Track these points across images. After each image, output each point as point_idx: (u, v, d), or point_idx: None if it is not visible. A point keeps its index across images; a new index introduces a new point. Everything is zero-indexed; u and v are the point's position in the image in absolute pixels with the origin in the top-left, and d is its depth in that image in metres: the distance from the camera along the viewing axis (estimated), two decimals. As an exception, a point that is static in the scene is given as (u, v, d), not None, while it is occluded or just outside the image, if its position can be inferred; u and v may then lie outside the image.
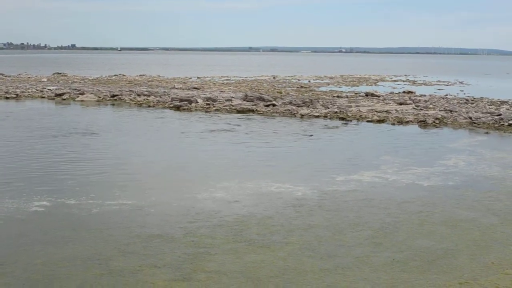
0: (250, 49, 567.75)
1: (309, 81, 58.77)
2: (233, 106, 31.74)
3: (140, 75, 63.49)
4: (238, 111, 30.52)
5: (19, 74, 62.62)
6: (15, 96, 38.26)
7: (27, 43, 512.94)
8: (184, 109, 31.52)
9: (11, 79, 55.34)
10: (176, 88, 44.20)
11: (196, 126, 25.07)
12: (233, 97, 35.09)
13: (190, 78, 59.77)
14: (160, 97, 35.49)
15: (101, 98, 36.64)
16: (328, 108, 30.78)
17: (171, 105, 32.48)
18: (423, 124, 26.42)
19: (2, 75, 60.53)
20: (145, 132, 23.19)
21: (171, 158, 18.27)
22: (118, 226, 11.09)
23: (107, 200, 12.83)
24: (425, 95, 39.92)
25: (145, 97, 36.02)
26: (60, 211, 12.05)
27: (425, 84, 58.81)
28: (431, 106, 32.01)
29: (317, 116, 28.72)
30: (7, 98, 37.59)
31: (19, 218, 11.53)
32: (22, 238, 10.39)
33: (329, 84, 54.54)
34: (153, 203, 12.74)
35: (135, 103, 34.32)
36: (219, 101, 33.18)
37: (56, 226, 11.12)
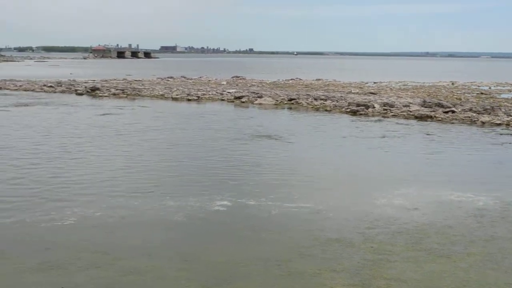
0: (427, 54, 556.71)
1: (490, 88, 56.56)
2: (410, 112, 31.16)
3: (316, 79, 63.91)
4: (416, 117, 29.94)
5: (200, 77, 64.93)
6: (196, 98, 39.72)
7: (207, 47, 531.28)
8: (361, 114, 31.33)
9: (193, 82, 57.53)
10: (353, 93, 44.06)
11: (373, 132, 24.84)
12: (410, 103, 34.44)
13: (367, 83, 59.37)
14: (337, 102, 35.48)
15: (278, 102, 37.20)
16: (511, 116, 29.47)
17: (348, 110, 32.38)
18: None
19: (184, 77, 63.12)
20: (323, 136, 23.27)
21: (348, 163, 18.21)
22: (297, 229, 11.18)
23: (286, 202, 12.99)
24: None
25: (322, 101, 36.15)
26: (241, 212, 12.35)
27: None
28: None
29: (499, 124, 27.58)
30: (189, 100, 39.12)
31: (202, 217, 11.92)
32: (205, 236, 10.73)
33: (511, 91, 52.23)
34: (331, 207, 12.75)
35: (312, 107, 34.55)
36: (397, 107, 32.69)
37: (237, 226, 11.41)
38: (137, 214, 12.01)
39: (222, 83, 55.82)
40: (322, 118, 29.62)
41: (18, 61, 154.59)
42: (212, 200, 13.08)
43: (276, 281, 8.65)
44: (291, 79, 63.31)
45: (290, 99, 37.60)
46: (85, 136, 22.18)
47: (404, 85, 58.16)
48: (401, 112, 31.37)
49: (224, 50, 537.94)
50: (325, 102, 35.63)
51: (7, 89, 46.41)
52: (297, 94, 40.12)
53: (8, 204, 12.58)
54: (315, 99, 36.96)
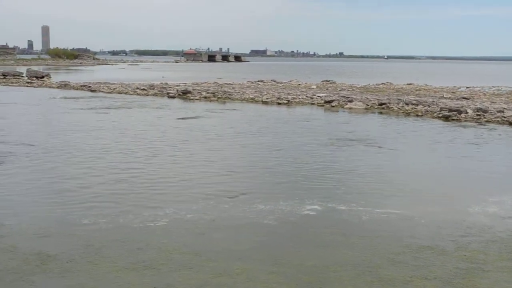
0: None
1: None
2: (505, 118, 30.33)
3: (407, 84, 63.02)
4: (511, 123, 29.15)
5: (290, 81, 65.03)
6: (286, 102, 39.81)
7: (297, 50, 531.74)
8: (453, 119, 30.72)
9: (283, 85, 57.70)
10: (445, 98, 43.26)
11: (466, 137, 24.33)
12: (505, 108, 33.56)
13: (459, 88, 58.11)
14: (429, 107, 34.88)
15: (369, 106, 36.88)
16: None
17: (440, 115, 31.79)
18: None
19: (274, 81, 63.37)
20: (415, 142, 22.95)
21: (440, 169, 17.86)
22: (388, 235, 11.06)
23: (376, 208, 12.86)
24: None
25: (413, 106, 35.62)
26: (331, 216, 12.31)
27: None
28: None
29: None
30: (279, 103, 39.25)
31: (292, 220, 11.93)
32: (295, 239, 10.74)
33: None
34: (423, 213, 12.54)
35: (403, 112, 34.10)
36: (490, 112, 31.88)
37: (327, 230, 11.37)
38: (228, 217, 12.12)
39: (312, 87, 55.77)
40: (413, 123, 29.19)
41: (112, 64, 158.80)
42: (303, 204, 13.08)
43: (367, 287, 8.58)
44: (382, 84, 62.64)
45: (381, 104, 37.22)
46: (177, 139, 22.54)
47: (498, 90, 56.64)
48: (495, 118, 30.60)
49: (314, 54, 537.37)
50: (416, 107, 35.09)
51: (102, 91, 47.68)
52: (388, 99, 39.68)
53: (102, 205, 12.92)
54: (406, 104, 36.46)
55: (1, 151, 19.01)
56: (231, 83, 60.11)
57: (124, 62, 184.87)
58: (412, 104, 36.34)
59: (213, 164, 17.72)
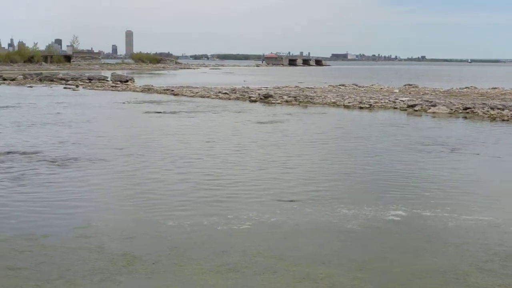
0: None
1: None
2: None
3: (492, 88, 61.52)
4: None
5: (372, 85, 64.47)
6: (368, 106, 39.45)
7: (378, 54, 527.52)
8: (542, 124, 29.88)
9: (364, 89, 57.25)
10: (532, 102, 42.06)
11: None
12: None
13: (547, 92, 56.40)
14: (516, 111, 34.02)
15: (453, 111, 36.16)
16: None
17: (527, 120, 30.99)
18: None
19: (356, 85, 62.96)
20: (503, 148, 22.41)
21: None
22: (475, 242, 10.80)
23: (463, 214, 12.57)
24: None
25: (499, 110, 34.73)
26: (416, 222, 12.10)
27: None
28: None
29: None
30: (361, 108, 38.94)
31: (376, 226, 11.80)
32: (379, 245, 10.60)
33: None
34: (511, 221, 12.24)
35: (488, 117, 33.30)
36: None
37: (411, 236, 11.19)
38: (311, 221, 12.08)
39: (394, 91, 55.13)
40: (500, 129, 28.50)
41: (194, 68, 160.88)
42: (387, 209, 12.92)
43: (456, 295, 8.41)
44: (466, 88, 61.32)
45: (465, 108, 36.44)
46: (259, 143, 22.62)
47: None
48: None
49: (396, 58, 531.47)
50: (502, 112, 34.21)
51: (184, 95, 48.33)
52: (472, 103, 38.83)
53: (186, 207, 13.07)
54: (492, 109, 35.57)
55: (89, 154, 19.48)
56: (312, 87, 60.00)
57: (206, 66, 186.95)
58: (498, 108, 35.43)
59: (295, 168, 17.70)
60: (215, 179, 15.88)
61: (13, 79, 68.57)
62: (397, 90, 55.64)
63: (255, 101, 43.22)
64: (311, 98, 43.83)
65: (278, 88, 56.69)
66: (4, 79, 68.57)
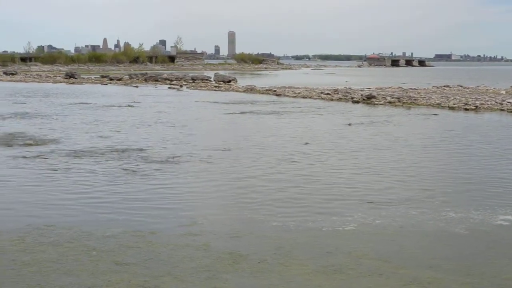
0: None
1: None
2: None
3: None
4: None
5: (477, 86, 62.83)
6: (474, 108, 38.48)
7: (483, 55, 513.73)
8: None
9: (469, 91, 55.85)
10: None
11: None
12: None
13: None
14: None
15: None
16: None
17: None
18: None
19: (461, 86, 61.51)
20: None
21: None
22: None
23: None
24: None
25: None
26: (527, 228, 11.75)
27: None
28: None
29: None
30: (466, 109, 38.01)
31: (484, 230, 11.50)
32: (488, 250, 10.33)
33: None
34: None
35: None
36: None
37: (523, 242, 10.90)
38: (417, 223, 11.90)
39: (501, 92, 53.49)
40: None
41: (295, 69, 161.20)
42: (495, 213, 12.58)
43: None
44: None
45: None
46: (364, 144, 22.46)
47: None
48: None
49: (502, 58, 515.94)
50: None
51: (287, 96, 48.49)
52: None
53: (291, 208, 13.11)
54: None
55: (194, 153, 19.84)
56: (415, 88, 59.02)
57: (307, 66, 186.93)
58: None
59: (400, 170, 17.44)
60: (318, 180, 15.87)
61: (120, 79, 70.59)
62: (503, 92, 53.94)
63: (357, 102, 42.89)
64: (414, 99, 43.15)
65: (381, 89, 56.06)
66: (111, 79, 70.69)
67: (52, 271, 9.05)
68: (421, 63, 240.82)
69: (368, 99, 43.13)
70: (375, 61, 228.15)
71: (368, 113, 34.84)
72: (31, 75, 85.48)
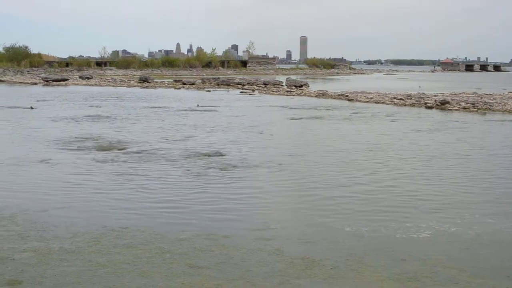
0: None
1: None
2: None
3: None
4: None
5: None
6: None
7: None
8: None
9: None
10: None
11: None
12: None
13: None
14: None
15: None
16: None
17: None
18: None
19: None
20: None
21: None
22: None
23: None
24: None
25: None
26: None
27: None
28: None
29: None
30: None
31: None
32: None
33: None
34: None
35: None
36: None
37: None
38: (494, 232, 11.63)
39: None
40: None
41: (367, 74, 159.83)
42: None
43: None
44: None
45: None
46: (439, 151, 22.13)
47: None
48: None
49: None
50: None
51: (359, 101, 48.13)
52: None
53: (362, 213, 13.01)
54: None
55: (267, 158, 19.89)
56: (490, 93, 57.80)
57: (380, 71, 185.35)
58: None
59: (477, 178, 17.08)
60: (391, 187, 15.69)
61: (192, 84, 71.30)
62: None
63: (431, 107, 42.22)
64: (490, 105, 42.22)
65: (455, 94, 55.12)
66: (184, 84, 71.39)
67: (127, 273, 9.19)
68: (496, 68, 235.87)
69: (442, 105, 42.39)
70: (449, 66, 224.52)
71: (441, 119, 34.29)
72: (106, 79, 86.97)
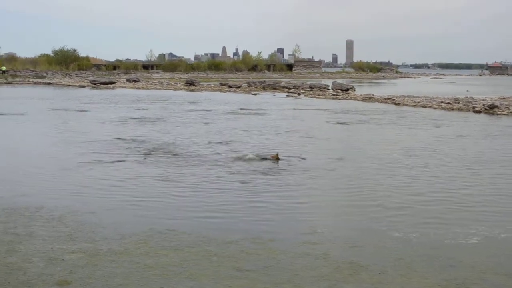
0: None
1: None
2: None
3: None
4: None
5: None
6: None
7: None
8: None
9: None
10: None
11: None
12: None
13: None
14: None
15: None
16: None
17: None
18: None
19: None
20: None
21: None
22: None
23: None
24: None
25: None
26: None
27: None
28: None
29: None
30: None
31: None
32: None
33: None
34: None
35: None
36: None
37: None
38: (544, 239, 11.47)
39: None
40: None
41: (414, 77, 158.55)
42: None
43: None
44: None
45: None
46: (489, 157, 21.85)
47: None
48: None
49: None
50: None
51: (406, 105, 47.74)
52: None
53: (410, 218, 12.91)
54: None
55: (314, 162, 19.87)
56: (540, 97, 56.82)
57: (427, 75, 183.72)
58: None
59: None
60: (440, 192, 15.54)
61: (238, 87, 71.47)
62: None
63: (479, 111, 41.65)
64: (540, 110, 41.51)
65: (504, 98, 54.25)
66: (230, 87, 71.66)
67: (174, 275, 9.25)
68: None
69: (491, 109, 41.76)
70: (497, 69, 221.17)
71: (490, 124, 33.83)
72: (153, 82, 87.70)
